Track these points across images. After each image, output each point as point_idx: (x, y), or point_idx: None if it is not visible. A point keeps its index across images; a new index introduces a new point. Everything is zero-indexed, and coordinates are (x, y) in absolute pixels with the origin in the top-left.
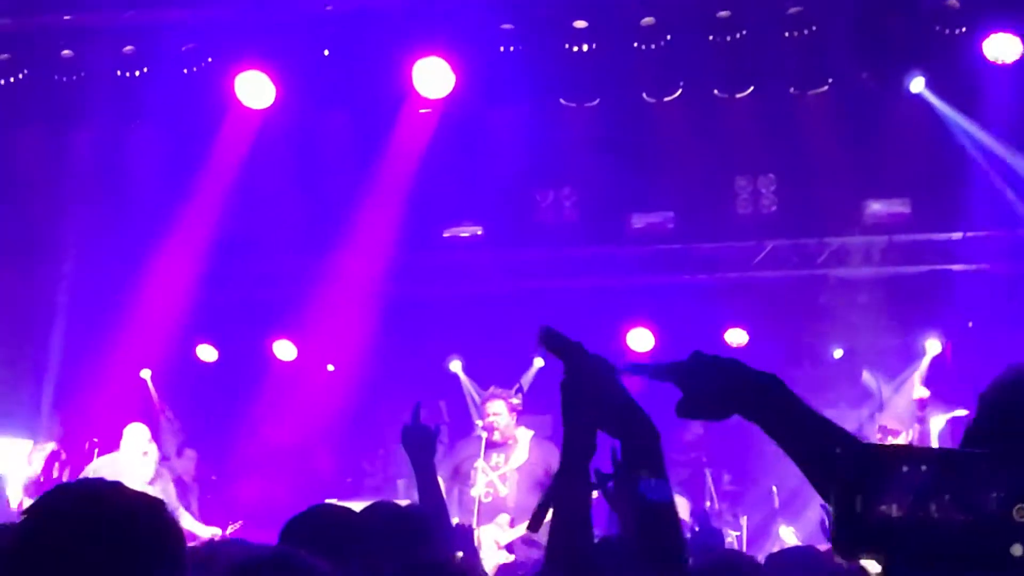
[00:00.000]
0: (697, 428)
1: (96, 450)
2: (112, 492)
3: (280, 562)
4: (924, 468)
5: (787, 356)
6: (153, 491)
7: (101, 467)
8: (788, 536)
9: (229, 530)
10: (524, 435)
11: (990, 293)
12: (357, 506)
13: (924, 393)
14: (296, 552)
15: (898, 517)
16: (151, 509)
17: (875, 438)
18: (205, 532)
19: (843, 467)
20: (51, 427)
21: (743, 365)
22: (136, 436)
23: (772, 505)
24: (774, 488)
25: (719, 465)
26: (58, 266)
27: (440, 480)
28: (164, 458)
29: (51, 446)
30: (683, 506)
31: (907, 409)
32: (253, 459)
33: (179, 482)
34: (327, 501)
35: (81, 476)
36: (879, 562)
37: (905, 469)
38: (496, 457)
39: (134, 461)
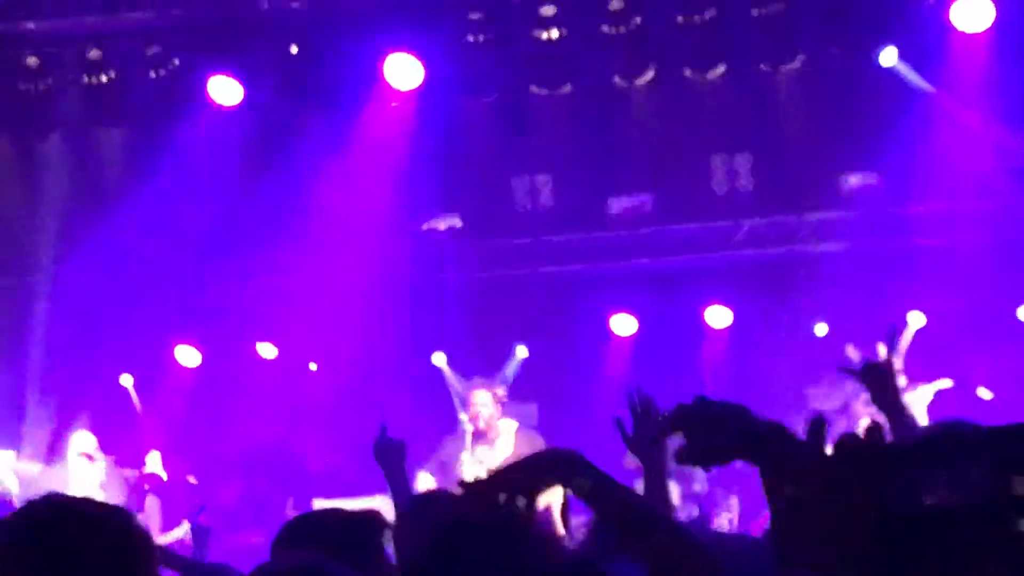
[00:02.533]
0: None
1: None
2: (78, 503)
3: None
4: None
5: (771, 334)
6: (104, 497)
7: (44, 477)
8: None
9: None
10: (508, 427)
11: (969, 265)
12: (347, 504)
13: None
14: (323, 562)
15: (899, 515)
16: (116, 517)
17: (862, 414)
18: (168, 536)
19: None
20: (33, 437)
21: (749, 414)
22: (80, 443)
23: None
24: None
25: None
26: (34, 274)
27: (429, 476)
28: (139, 463)
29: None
30: (674, 491)
31: None
32: (235, 460)
33: (155, 485)
34: (315, 501)
35: (26, 486)
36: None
37: (896, 469)
38: (481, 450)
39: (79, 468)
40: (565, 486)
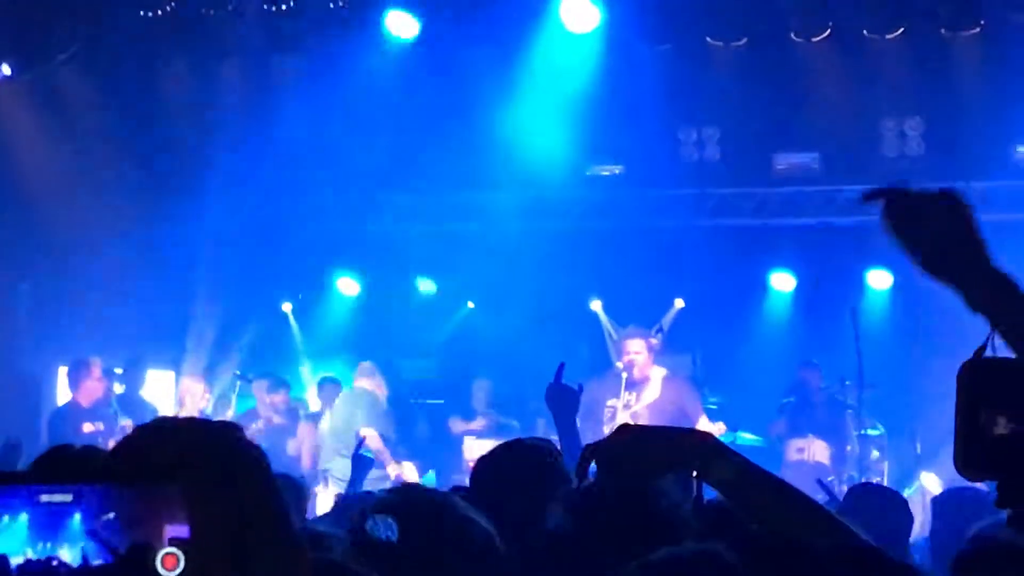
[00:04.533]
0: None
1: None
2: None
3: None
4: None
5: (933, 298)
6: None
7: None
8: (931, 483)
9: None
10: (657, 373)
11: None
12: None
13: None
14: (455, 499)
15: (1006, 435)
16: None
17: None
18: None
19: (968, 381)
20: (194, 360)
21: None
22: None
23: (914, 452)
24: (917, 437)
25: (860, 408)
26: (203, 200)
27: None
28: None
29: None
30: (822, 449)
31: None
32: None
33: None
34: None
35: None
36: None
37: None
38: (628, 395)
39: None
40: (703, 477)
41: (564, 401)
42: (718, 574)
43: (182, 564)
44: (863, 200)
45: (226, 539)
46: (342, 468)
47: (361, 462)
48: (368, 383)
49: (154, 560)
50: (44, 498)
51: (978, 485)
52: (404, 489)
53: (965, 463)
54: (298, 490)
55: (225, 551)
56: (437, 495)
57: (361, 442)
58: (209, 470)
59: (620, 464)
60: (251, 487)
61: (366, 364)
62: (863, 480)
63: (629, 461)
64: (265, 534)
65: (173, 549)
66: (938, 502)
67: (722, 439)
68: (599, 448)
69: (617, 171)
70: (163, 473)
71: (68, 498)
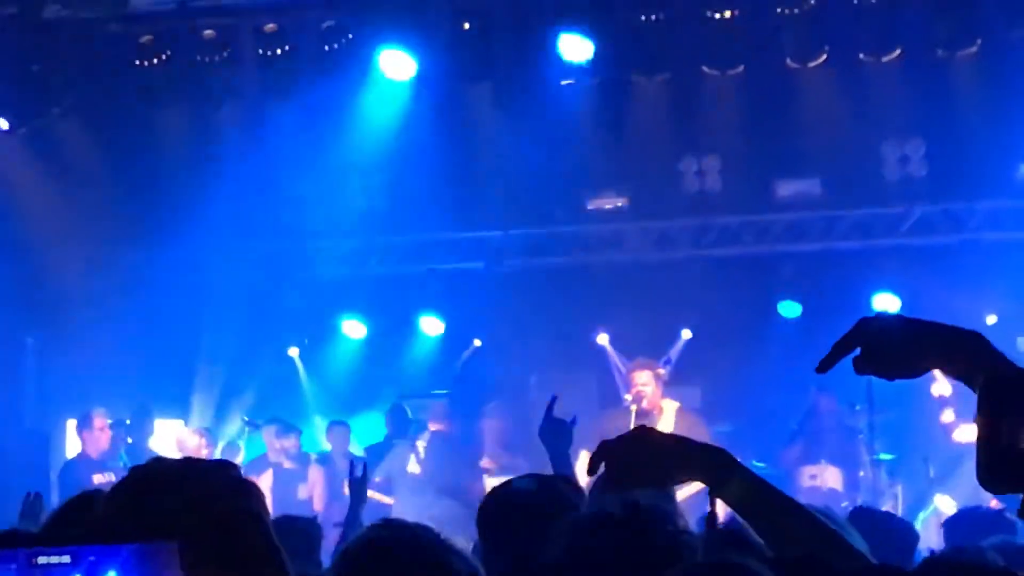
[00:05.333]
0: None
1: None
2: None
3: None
4: None
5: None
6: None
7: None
8: (946, 506)
9: None
10: (670, 406)
11: None
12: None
13: None
14: (434, 533)
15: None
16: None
17: None
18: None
19: (989, 394)
20: (201, 409)
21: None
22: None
23: (927, 475)
24: (929, 460)
25: (871, 433)
26: (205, 248)
27: (585, 454)
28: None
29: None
30: (835, 476)
31: None
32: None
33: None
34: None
35: None
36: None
37: None
38: None
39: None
40: (716, 491)
41: (558, 435)
42: None
43: None
44: (819, 371)
45: None
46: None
47: (357, 483)
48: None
49: None
50: (42, 560)
51: (991, 503)
52: (386, 524)
53: (989, 477)
54: (308, 533)
55: None
56: (420, 530)
57: (353, 468)
58: (204, 525)
59: (631, 469)
60: (247, 538)
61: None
62: (876, 506)
63: (641, 467)
64: None
65: None
66: (949, 523)
67: None
68: (612, 449)
69: (620, 204)
70: (159, 529)
71: (66, 560)
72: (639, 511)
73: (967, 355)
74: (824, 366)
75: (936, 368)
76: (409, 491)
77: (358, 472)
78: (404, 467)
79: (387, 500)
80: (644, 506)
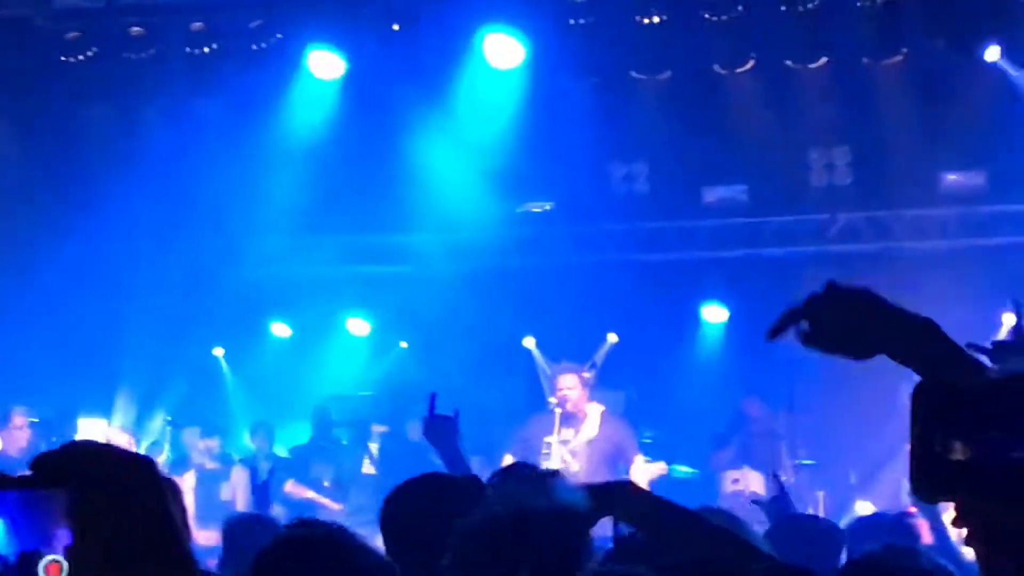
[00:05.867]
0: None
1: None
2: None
3: (329, 540)
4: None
5: None
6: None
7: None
8: (867, 512)
9: None
10: (595, 410)
11: None
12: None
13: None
14: (348, 532)
15: (964, 459)
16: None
17: None
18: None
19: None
20: (124, 408)
21: (892, 304)
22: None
23: (848, 481)
24: (851, 467)
25: (794, 439)
26: (130, 247)
27: (511, 458)
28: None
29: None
30: (758, 480)
31: None
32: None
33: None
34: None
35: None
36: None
37: (967, 408)
38: (566, 432)
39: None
40: (616, 516)
41: (442, 432)
42: None
43: (65, 572)
44: (769, 338)
45: (108, 547)
46: None
47: (261, 488)
48: None
49: (36, 568)
50: None
51: (909, 509)
52: (302, 523)
53: (920, 486)
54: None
55: (107, 560)
56: (334, 528)
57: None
58: (94, 473)
59: (840, 331)
60: (137, 494)
61: None
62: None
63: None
64: (150, 545)
65: (57, 556)
66: (850, 530)
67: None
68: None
69: (547, 207)
70: (50, 477)
71: None
72: (527, 518)
73: (919, 340)
74: (773, 334)
75: (884, 352)
76: (372, 491)
77: (260, 478)
78: (358, 469)
79: (335, 506)
80: (533, 512)
